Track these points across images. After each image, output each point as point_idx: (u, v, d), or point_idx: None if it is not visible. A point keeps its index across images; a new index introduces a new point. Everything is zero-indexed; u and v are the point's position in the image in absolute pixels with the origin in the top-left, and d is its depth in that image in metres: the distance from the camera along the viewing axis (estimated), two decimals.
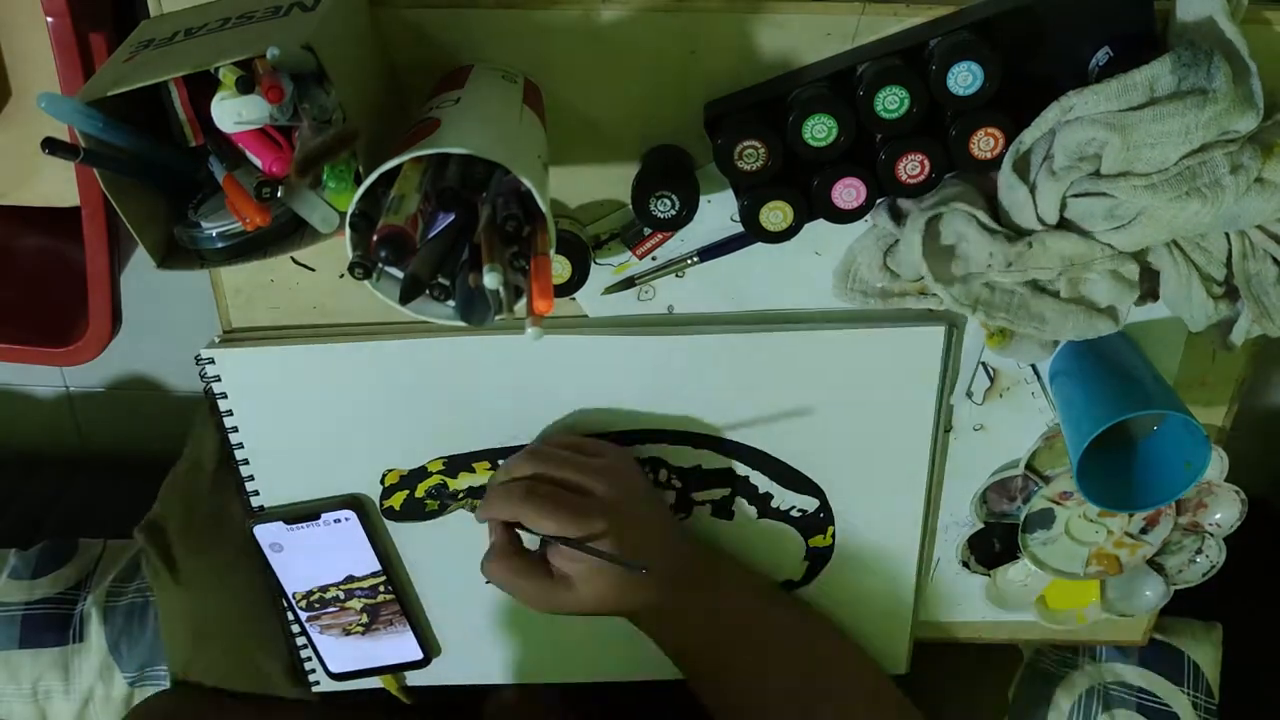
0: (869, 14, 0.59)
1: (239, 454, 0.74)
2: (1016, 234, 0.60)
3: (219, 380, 0.71)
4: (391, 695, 0.86)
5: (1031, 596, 0.82)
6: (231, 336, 0.71)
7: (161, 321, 0.99)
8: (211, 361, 0.70)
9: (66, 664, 1.02)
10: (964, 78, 0.56)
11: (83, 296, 0.80)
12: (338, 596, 0.79)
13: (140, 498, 0.97)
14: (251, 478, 0.75)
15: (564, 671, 0.85)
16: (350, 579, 0.78)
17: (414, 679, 0.86)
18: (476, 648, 0.83)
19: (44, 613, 1.04)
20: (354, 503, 0.75)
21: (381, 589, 0.79)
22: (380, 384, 0.71)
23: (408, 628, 0.81)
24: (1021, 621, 0.84)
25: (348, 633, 0.81)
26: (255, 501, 0.76)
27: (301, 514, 0.75)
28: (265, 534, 0.76)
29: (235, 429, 0.73)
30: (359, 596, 0.79)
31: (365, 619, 0.80)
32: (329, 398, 0.72)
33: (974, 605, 0.83)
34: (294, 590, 0.78)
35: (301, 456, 0.74)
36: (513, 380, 0.71)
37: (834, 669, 0.77)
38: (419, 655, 0.83)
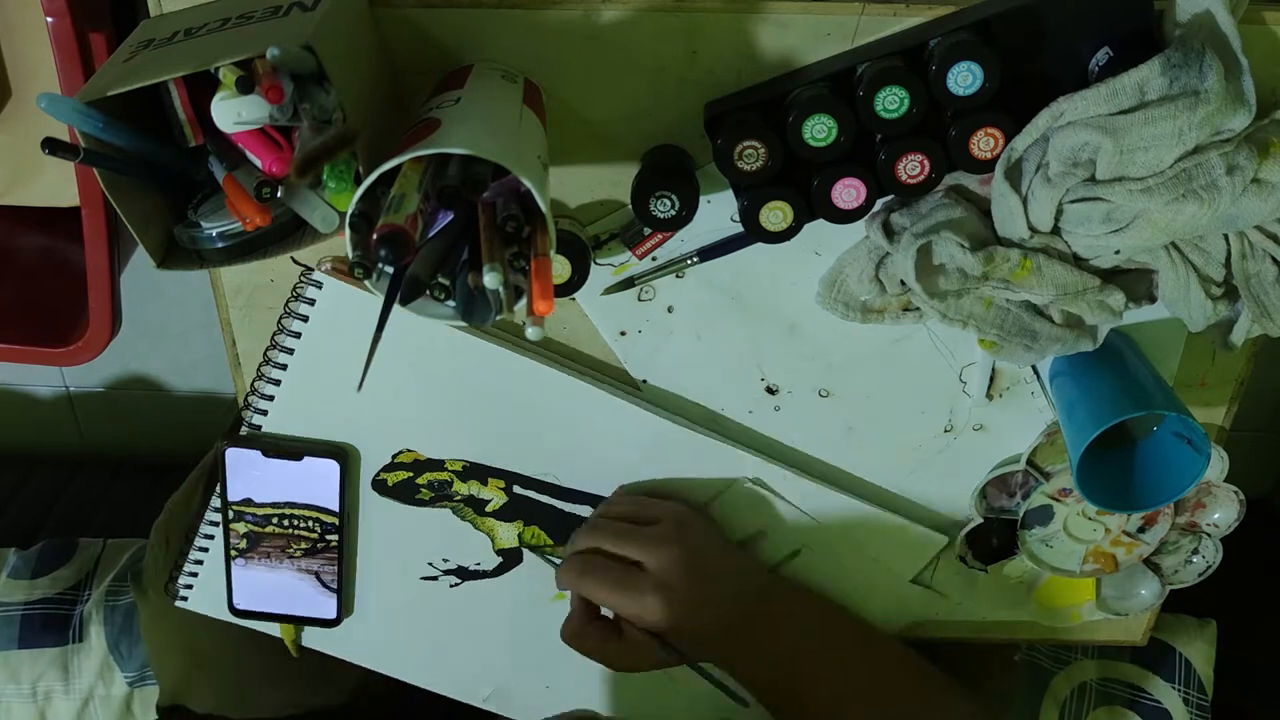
0: (869, 14, 0.59)
1: (274, 374, 0.71)
2: (1010, 246, 0.61)
3: (312, 304, 0.68)
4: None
5: (1028, 594, 0.82)
6: (341, 268, 0.69)
7: (161, 321, 0.99)
8: (319, 285, 0.68)
9: (66, 664, 1.02)
10: (964, 78, 0.56)
11: (83, 296, 0.80)
12: (284, 518, 0.76)
13: (140, 498, 0.97)
14: (271, 398, 0.72)
15: (460, 689, 0.86)
16: (310, 506, 0.76)
17: (312, 640, 0.83)
18: (385, 637, 0.83)
19: (44, 613, 1.04)
20: (339, 453, 0.73)
21: (330, 537, 0.76)
22: (447, 373, 0.71)
23: (335, 585, 0.79)
24: (1019, 620, 0.84)
25: (287, 555, 0.77)
26: (255, 420, 0.73)
27: (284, 449, 0.72)
28: (236, 459, 0.72)
29: (291, 350, 0.70)
30: (305, 530, 0.76)
31: (305, 547, 0.77)
32: (393, 363, 0.70)
33: (971, 602, 0.83)
34: (242, 497, 0.74)
35: (332, 403, 0.72)
36: (568, 424, 0.72)
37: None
38: (332, 615, 0.80)
